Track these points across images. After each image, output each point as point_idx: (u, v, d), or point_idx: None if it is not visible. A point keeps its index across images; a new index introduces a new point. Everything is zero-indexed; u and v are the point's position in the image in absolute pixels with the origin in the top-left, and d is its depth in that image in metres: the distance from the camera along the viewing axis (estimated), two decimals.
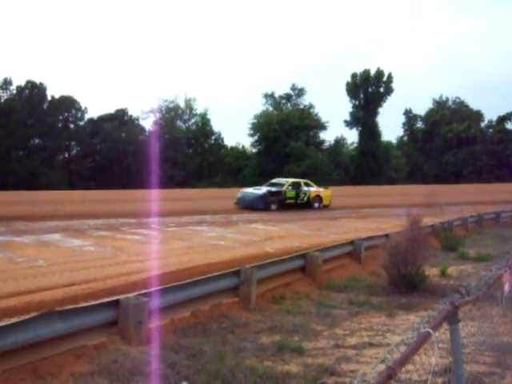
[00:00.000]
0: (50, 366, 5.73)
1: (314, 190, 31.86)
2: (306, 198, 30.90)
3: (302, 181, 32.68)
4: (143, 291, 7.31)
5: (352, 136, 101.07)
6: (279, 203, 29.55)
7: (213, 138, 76.27)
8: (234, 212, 27.23)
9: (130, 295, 6.98)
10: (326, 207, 31.61)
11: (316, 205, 31.28)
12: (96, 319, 6.44)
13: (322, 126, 76.55)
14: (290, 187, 30.92)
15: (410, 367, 3.12)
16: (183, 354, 6.52)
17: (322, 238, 17.73)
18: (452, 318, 3.89)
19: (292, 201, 30.42)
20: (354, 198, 39.22)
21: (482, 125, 79.72)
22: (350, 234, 18.03)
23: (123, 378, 5.67)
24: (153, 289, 7.49)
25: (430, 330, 3.23)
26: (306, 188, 31.46)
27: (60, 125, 70.10)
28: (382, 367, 2.66)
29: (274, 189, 30.45)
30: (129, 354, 6.26)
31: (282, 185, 31.25)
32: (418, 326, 3.32)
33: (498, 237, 21.59)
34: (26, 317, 5.92)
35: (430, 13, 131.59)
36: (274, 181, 33.40)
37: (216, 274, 9.07)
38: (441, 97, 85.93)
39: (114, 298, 7.03)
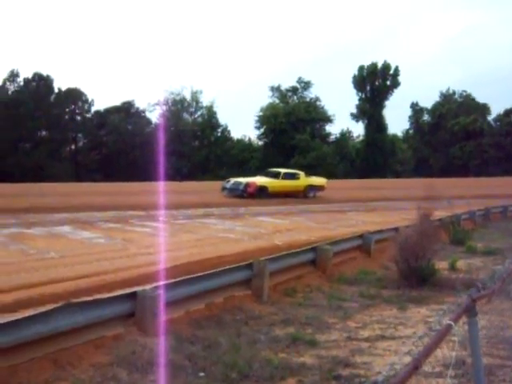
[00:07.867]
0: (70, 357, 5.82)
1: None
2: None
3: None
4: (159, 283, 7.39)
5: (358, 129, 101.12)
6: None
7: (219, 130, 76.35)
8: (241, 204, 27.21)
9: (146, 287, 7.07)
10: None
11: None
12: (114, 311, 6.53)
13: (328, 119, 76.62)
14: None
15: None
16: (199, 346, 6.61)
17: (329, 231, 17.78)
18: (470, 312, 3.98)
19: None
20: (360, 190, 39.26)
21: (489, 118, 79.62)
22: (357, 227, 18.07)
23: (142, 369, 5.77)
24: (168, 281, 7.58)
25: (452, 323, 3.32)
26: None
27: (67, 117, 70.27)
28: (406, 359, 2.75)
29: None
30: (146, 345, 6.35)
31: None
32: (438, 318, 3.41)
33: (506, 230, 21.59)
34: (47, 308, 6.01)
35: (439, 6, 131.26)
36: None
37: (229, 266, 9.13)
38: (448, 90, 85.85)
39: (131, 290, 7.12)
